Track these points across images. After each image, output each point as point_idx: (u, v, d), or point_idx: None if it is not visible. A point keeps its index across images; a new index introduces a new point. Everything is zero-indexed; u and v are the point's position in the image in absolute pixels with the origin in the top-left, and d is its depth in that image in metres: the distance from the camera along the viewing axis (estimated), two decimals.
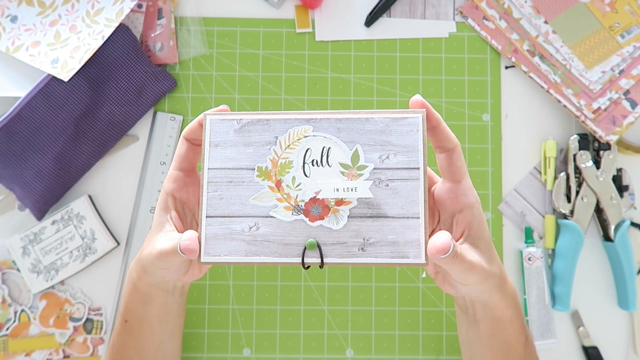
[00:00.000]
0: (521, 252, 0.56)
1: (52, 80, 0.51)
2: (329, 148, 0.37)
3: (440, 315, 0.56)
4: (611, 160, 0.56)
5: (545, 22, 0.58)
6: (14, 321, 0.55)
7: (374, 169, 0.37)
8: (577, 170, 0.56)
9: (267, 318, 0.56)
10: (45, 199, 0.54)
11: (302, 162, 0.37)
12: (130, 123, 0.56)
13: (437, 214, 0.40)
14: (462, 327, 0.46)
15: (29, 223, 0.56)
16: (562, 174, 0.57)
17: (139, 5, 0.57)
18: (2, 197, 0.56)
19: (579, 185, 0.56)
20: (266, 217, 0.37)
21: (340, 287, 0.57)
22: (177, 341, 0.48)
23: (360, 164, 0.37)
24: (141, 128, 0.58)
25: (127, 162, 0.57)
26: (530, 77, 0.58)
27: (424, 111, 0.36)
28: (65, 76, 0.50)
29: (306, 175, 0.36)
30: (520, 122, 0.59)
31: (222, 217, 0.37)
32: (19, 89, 0.53)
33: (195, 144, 0.40)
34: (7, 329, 0.55)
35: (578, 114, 0.56)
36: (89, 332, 0.55)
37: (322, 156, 0.37)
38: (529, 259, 0.56)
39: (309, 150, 0.37)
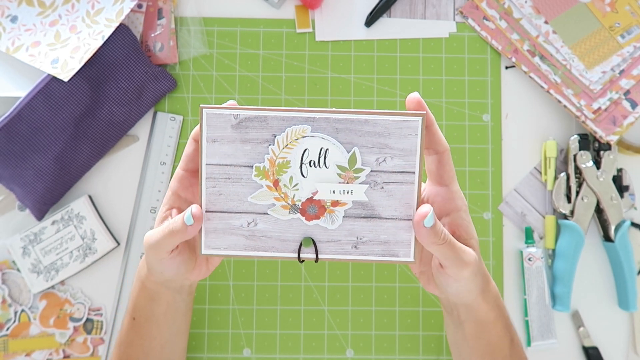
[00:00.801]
0: (521, 252, 0.56)
1: (52, 81, 0.51)
2: (327, 149, 0.37)
3: (440, 315, 0.56)
4: (611, 160, 0.56)
5: (546, 22, 0.58)
6: (14, 321, 0.55)
7: (371, 171, 0.37)
8: (578, 171, 0.56)
9: (267, 318, 0.56)
10: (45, 199, 0.54)
11: (299, 162, 0.37)
12: (131, 123, 0.56)
13: None
14: (449, 328, 0.46)
15: (29, 223, 0.56)
16: (563, 174, 0.57)
17: (139, 5, 0.57)
18: (2, 197, 0.56)
19: (579, 185, 0.56)
20: (264, 214, 0.37)
21: (340, 287, 0.57)
22: (184, 340, 0.49)
23: (357, 167, 0.37)
24: (141, 128, 0.58)
25: (127, 162, 0.57)
26: (530, 77, 0.58)
27: (424, 114, 0.36)
28: (65, 76, 0.50)
29: (303, 176, 0.37)
30: (520, 122, 0.59)
31: (221, 212, 0.37)
32: (19, 89, 0.53)
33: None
34: (7, 329, 0.55)
35: (578, 114, 0.56)
36: (89, 332, 0.55)
37: (319, 157, 0.37)
38: (529, 259, 0.56)
39: (307, 150, 0.37)
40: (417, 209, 0.37)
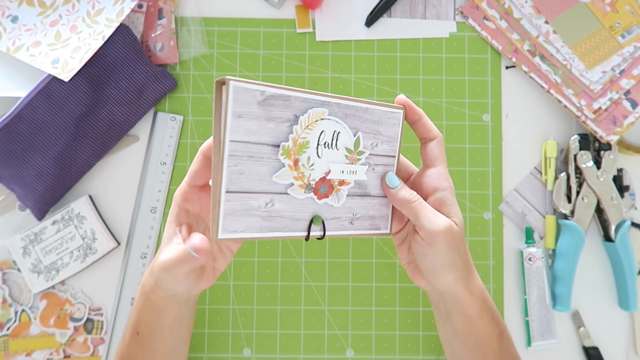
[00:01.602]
0: (522, 252, 0.56)
1: (53, 81, 0.51)
2: (339, 132, 0.39)
3: None
4: (612, 160, 0.56)
5: (546, 22, 0.58)
6: (15, 321, 0.55)
7: (369, 154, 0.41)
8: (578, 171, 0.56)
9: (267, 318, 0.56)
10: (45, 199, 0.54)
11: (316, 143, 0.38)
12: (131, 123, 0.56)
13: None
14: (439, 325, 0.47)
15: (29, 223, 0.56)
16: (563, 174, 0.57)
17: (140, 6, 0.57)
18: (3, 197, 0.56)
19: (580, 185, 0.56)
20: (282, 194, 0.37)
21: (340, 287, 0.57)
22: (187, 346, 0.48)
23: (360, 150, 0.40)
24: (141, 128, 0.58)
25: (128, 162, 0.57)
26: (530, 77, 0.58)
27: (404, 108, 0.42)
28: (66, 76, 0.50)
29: (319, 156, 0.38)
30: (520, 122, 0.59)
31: (241, 192, 0.35)
32: (19, 89, 0.54)
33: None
34: (8, 329, 0.55)
35: (578, 114, 0.56)
36: (89, 332, 0.55)
37: (332, 139, 0.39)
38: (530, 259, 0.56)
39: (323, 132, 0.38)
40: None
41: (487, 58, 0.59)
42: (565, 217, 0.57)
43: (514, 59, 0.58)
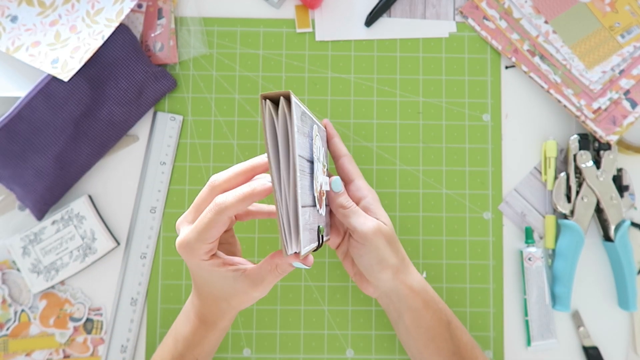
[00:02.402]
0: (521, 252, 0.56)
1: (52, 80, 0.51)
2: (320, 147, 0.42)
3: None
4: (611, 160, 0.56)
5: (546, 22, 0.58)
6: (14, 321, 0.55)
7: (326, 168, 0.44)
8: (578, 170, 0.56)
9: (267, 318, 0.56)
10: (45, 199, 0.54)
11: (317, 157, 0.40)
12: (131, 123, 0.56)
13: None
14: (395, 329, 0.50)
15: (29, 223, 0.56)
16: (563, 174, 0.57)
17: (139, 5, 0.57)
18: (2, 197, 0.56)
19: (579, 185, 0.56)
20: (313, 206, 0.38)
21: (340, 287, 0.57)
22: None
23: (325, 163, 0.44)
24: (141, 128, 0.58)
25: (127, 162, 0.57)
26: (530, 77, 0.58)
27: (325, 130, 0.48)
28: (66, 76, 0.50)
29: (318, 170, 0.40)
30: (520, 122, 0.59)
31: (303, 207, 0.35)
32: (19, 89, 0.54)
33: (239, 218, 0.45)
34: (7, 329, 0.55)
35: (578, 114, 0.56)
36: (89, 332, 0.55)
37: (320, 153, 0.42)
38: (529, 259, 0.56)
39: (318, 147, 0.41)
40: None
41: (486, 58, 0.59)
42: (565, 217, 0.57)
43: (513, 59, 0.58)
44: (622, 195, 0.56)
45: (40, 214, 0.54)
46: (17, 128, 0.51)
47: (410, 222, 0.57)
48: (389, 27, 0.59)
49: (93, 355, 0.55)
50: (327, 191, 0.44)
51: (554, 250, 0.57)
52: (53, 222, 0.55)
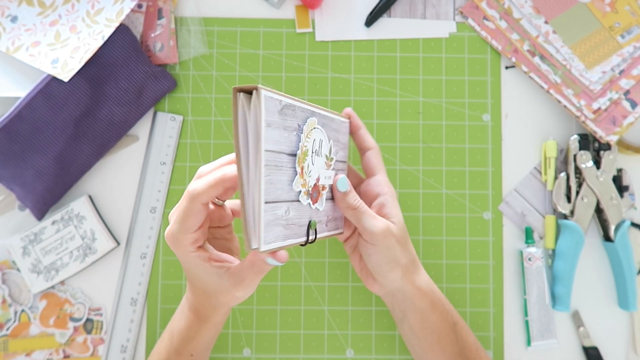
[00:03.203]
0: (521, 252, 0.56)
1: (52, 81, 0.51)
2: (322, 140, 0.42)
3: None
4: (611, 160, 0.56)
5: (546, 22, 0.58)
6: (14, 321, 0.55)
7: (335, 160, 0.44)
8: (578, 171, 0.56)
9: (267, 318, 0.56)
10: (45, 199, 0.54)
11: (312, 151, 0.40)
12: (131, 123, 0.56)
13: None
14: (399, 327, 0.49)
15: (29, 223, 0.56)
16: (563, 174, 0.57)
17: (139, 5, 0.57)
18: (3, 197, 0.56)
19: (579, 185, 0.56)
20: (295, 201, 0.37)
21: (340, 287, 0.57)
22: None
23: (331, 156, 0.43)
24: (141, 128, 0.58)
25: (127, 162, 0.57)
26: (530, 77, 0.58)
27: (349, 119, 0.48)
28: (66, 76, 0.50)
29: (313, 164, 0.40)
30: (520, 122, 0.59)
31: (272, 202, 0.35)
32: (19, 89, 0.53)
33: (215, 203, 0.41)
34: (7, 329, 0.55)
35: (578, 114, 0.56)
36: (89, 332, 0.55)
37: (319, 147, 0.41)
38: (529, 259, 0.56)
39: (314, 140, 0.40)
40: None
41: (486, 58, 0.59)
42: (565, 217, 0.57)
43: (513, 59, 0.58)
44: (622, 196, 0.56)
45: (40, 214, 0.54)
46: (17, 128, 0.51)
47: (410, 222, 0.57)
48: (389, 27, 0.59)
49: (93, 355, 0.55)
50: (336, 190, 0.43)
51: (554, 251, 0.57)
52: (53, 222, 0.55)
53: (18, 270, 0.56)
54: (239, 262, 0.39)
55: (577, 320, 0.57)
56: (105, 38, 0.52)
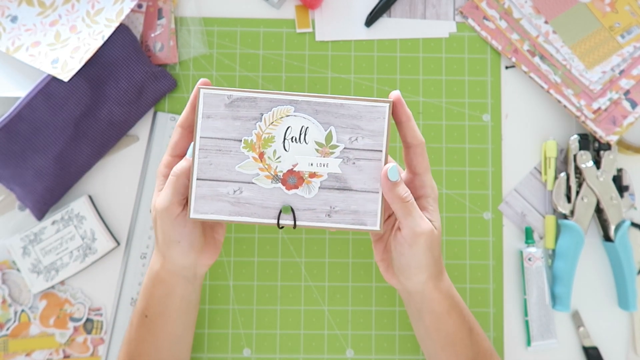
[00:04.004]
0: (521, 252, 0.56)
1: (52, 81, 0.51)
2: (307, 127, 0.42)
3: None
4: (611, 160, 0.56)
5: (546, 22, 0.58)
6: (14, 321, 0.55)
7: (344, 148, 0.42)
8: (578, 171, 0.56)
9: (267, 318, 0.56)
10: (45, 199, 0.54)
11: (282, 138, 0.41)
12: (131, 123, 0.56)
13: None
14: (413, 323, 0.49)
15: (29, 223, 0.56)
16: (563, 174, 0.57)
17: (139, 5, 0.57)
18: (2, 197, 0.56)
19: (579, 185, 0.56)
20: (249, 183, 0.41)
21: (340, 287, 0.57)
22: (192, 335, 0.50)
23: (332, 144, 0.42)
24: (141, 128, 0.58)
25: (127, 162, 0.57)
26: (530, 77, 0.58)
27: (390, 102, 0.42)
28: (66, 76, 0.50)
29: (286, 150, 0.41)
30: (520, 122, 0.59)
31: (210, 180, 0.41)
32: (19, 89, 0.54)
33: (189, 131, 0.44)
34: (7, 329, 0.55)
35: (578, 114, 0.56)
36: (89, 332, 0.55)
37: (300, 134, 0.42)
38: (529, 259, 0.56)
39: (290, 128, 0.42)
40: None
41: (486, 58, 0.59)
42: (565, 217, 0.57)
43: (513, 59, 0.58)
44: (622, 196, 0.56)
45: (40, 214, 0.54)
46: (17, 128, 0.51)
47: None
48: (389, 27, 0.59)
49: (93, 355, 0.55)
50: (385, 179, 0.41)
51: (554, 251, 0.57)
52: (53, 222, 0.55)
53: (18, 270, 0.56)
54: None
55: (577, 320, 0.57)
56: (105, 38, 0.52)
